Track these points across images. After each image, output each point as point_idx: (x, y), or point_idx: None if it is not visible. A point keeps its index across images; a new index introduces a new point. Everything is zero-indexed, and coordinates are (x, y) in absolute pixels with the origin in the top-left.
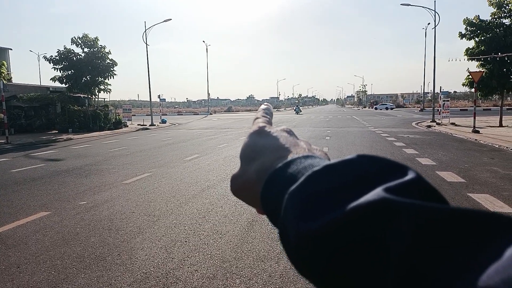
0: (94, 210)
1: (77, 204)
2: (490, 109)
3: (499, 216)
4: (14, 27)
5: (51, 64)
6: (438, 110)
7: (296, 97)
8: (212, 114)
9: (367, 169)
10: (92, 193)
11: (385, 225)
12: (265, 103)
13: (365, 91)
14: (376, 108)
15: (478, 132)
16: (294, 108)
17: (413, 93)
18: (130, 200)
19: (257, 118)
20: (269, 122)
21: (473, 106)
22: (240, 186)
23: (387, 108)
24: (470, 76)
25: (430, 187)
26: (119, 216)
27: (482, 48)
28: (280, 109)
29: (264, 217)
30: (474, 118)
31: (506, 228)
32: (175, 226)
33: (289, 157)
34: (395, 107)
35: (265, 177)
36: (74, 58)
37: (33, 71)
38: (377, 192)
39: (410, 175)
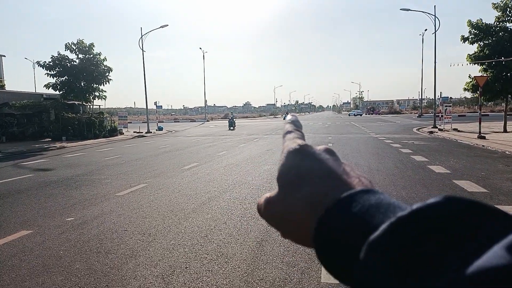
0: (82, 228)
1: (63, 220)
2: (488, 115)
3: None
4: (8, 34)
5: (45, 70)
6: (438, 115)
7: (293, 103)
8: (209, 121)
9: (461, 216)
10: (81, 207)
11: None
12: (291, 114)
13: (362, 97)
14: (349, 115)
15: (484, 138)
16: (283, 115)
17: (408, 99)
18: (122, 216)
19: (288, 132)
20: (303, 137)
21: (470, 112)
22: (279, 213)
23: (355, 115)
24: (472, 81)
25: None
26: (110, 235)
27: (486, 52)
28: (277, 116)
29: (274, 236)
30: (480, 123)
31: None
32: (174, 248)
33: (347, 190)
34: (363, 113)
35: (319, 210)
36: (68, 64)
37: (28, 79)
38: (501, 254)
39: None
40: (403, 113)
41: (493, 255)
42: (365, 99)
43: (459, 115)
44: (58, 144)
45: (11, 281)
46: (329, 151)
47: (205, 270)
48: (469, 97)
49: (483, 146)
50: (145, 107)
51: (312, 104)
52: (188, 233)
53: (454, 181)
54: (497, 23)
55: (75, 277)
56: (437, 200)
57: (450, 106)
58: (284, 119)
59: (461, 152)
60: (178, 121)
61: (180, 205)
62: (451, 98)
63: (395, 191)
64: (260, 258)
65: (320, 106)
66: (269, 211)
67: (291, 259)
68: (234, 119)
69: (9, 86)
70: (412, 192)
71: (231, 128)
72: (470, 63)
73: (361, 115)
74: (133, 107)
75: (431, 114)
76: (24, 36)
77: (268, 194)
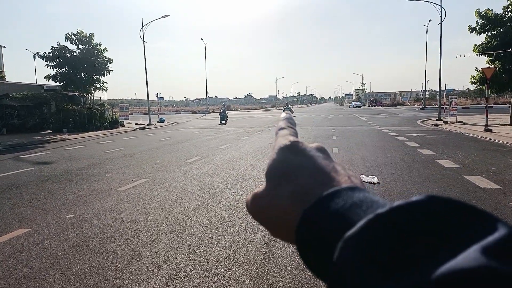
0: (82, 226)
1: (63, 218)
2: (492, 107)
3: None
4: (9, 26)
5: (45, 61)
6: (443, 108)
7: (295, 95)
8: (210, 112)
9: (443, 215)
10: (81, 204)
11: None
12: (286, 111)
13: (364, 89)
14: (349, 107)
15: (490, 131)
16: (283, 108)
17: (411, 91)
18: (124, 213)
19: (281, 128)
20: (296, 135)
21: (474, 104)
22: (265, 208)
23: (354, 107)
24: (479, 73)
25: None
26: (111, 235)
27: (494, 43)
28: (279, 108)
29: None
30: (487, 116)
31: None
32: (177, 249)
33: (333, 187)
34: (362, 105)
35: (304, 205)
36: (69, 55)
37: (29, 70)
38: (475, 256)
39: (501, 230)
40: (405, 105)
41: (467, 256)
42: (368, 90)
43: (462, 107)
44: (59, 136)
45: (7, 284)
46: (320, 149)
47: (211, 274)
48: (472, 89)
49: (490, 139)
50: (146, 98)
51: (314, 96)
52: (192, 232)
53: (464, 176)
54: (506, 13)
55: (74, 280)
56: (419, 198)
57: (456, 98)
58: (283, 111)
59: (468, 145)
60: (180, 113)
61: (183, 201)
62: (453, 89)
63: (404, 186)
64: (268, 261)
65: (322, 98)
66: (255, 206)
67: (301, 261)
68: (226, 112)
69: (10, 78)
70: (422, 187)
71: (223, 122)
72: (477, 54)
73: (360, 107)
74: (135, 98)
75: (434, 106)
76: (24, 28)
77: (256, 190)
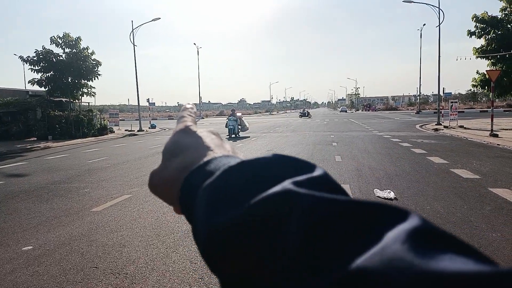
0: (39, 263)
1: (18, 251)
2: (486, 111)
3: (387, 206)
4: (1, 31)
5: (28, 65)
6: (441, 112)
7: (288, 100)
8: (204, 118)
9: (281, 166)
10: (46, 230)
11: (286, 215)
12: (189, 103)
13: (358, 94)
14: (341, 111)
15: (496, 136)
16: (226, 121)
17: (403, 95)
18: (95, 243)
19: (182, 117)
20: (195, 122)
21: (467, 108)
22: (159, 183)
23: (341, 111)
24: (481, 76)
25: (335, 183)
26: (72, 277)
27: (493, 46)
28: (273, 113)
29: None
30: (492, 120)
31: (392, 216)
32: None
33: (211, 156)
34: (346, 109)
35: (185, 175)
36: (54, 59)
37: (20, 76)
38: (283, 184)
39: (318, 171)
40: (399, 110)
41: (280, 185)
42: (361, 95)
43: (458, 111)
44: (42, 144)
45: None
46: (212, 132)
47: None
48: (463, 93)
49: (498, 145)
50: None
51: (307, 100)
52: (177, 272)
53: (490, 189)
54: (504, 15)
55: None
56: (267, 155)
57: (456, 102)
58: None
59: (479, 152)
60: (172, 118)
61: (169, 225)
62: (450, 94)
63: (427, 203)
64: None
65: (315, 103)
66: (152, 182)
67: None
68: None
69: (0, 84)
70: (448, 205)
71: None
72: (477, 57)
73: (346, 111)
74: (127, 104)
75: (429, 111)
76: (15, 35)
77: (153, 168)
